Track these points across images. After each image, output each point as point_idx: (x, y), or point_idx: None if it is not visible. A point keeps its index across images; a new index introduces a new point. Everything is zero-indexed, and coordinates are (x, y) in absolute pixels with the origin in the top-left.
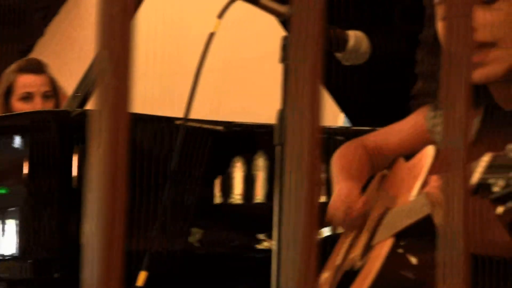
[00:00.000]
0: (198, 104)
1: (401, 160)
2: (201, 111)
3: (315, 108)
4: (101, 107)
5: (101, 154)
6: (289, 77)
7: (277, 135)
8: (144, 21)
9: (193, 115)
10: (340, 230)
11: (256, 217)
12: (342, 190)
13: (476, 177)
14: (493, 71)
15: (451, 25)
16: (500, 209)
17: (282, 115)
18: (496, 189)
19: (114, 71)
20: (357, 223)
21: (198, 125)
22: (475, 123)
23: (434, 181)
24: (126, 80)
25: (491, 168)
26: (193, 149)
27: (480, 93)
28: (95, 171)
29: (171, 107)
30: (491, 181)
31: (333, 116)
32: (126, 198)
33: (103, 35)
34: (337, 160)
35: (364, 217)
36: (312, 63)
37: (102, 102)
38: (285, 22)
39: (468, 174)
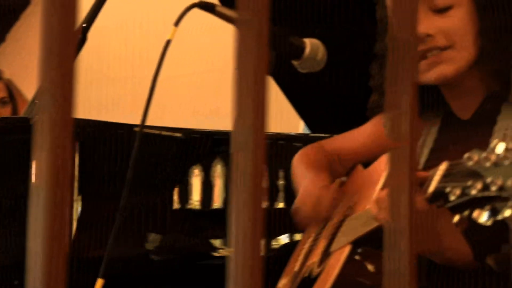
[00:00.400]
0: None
1: (360, 167)
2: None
3: (259, 114)
4: (44, 116)
5: (44, 163)
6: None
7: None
8: (115, 26)
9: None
10: (298, 237)
11: (214, 223)
12: (310, 182)
13: (433, 185)
14: (445, 70)
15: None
16: (456, 218)
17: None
18: (452, 197)
19: (56, 74)
20: (326, 214)
21: (156, 132)
22: (433, 132)
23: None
24: (69, 83)
25: (448, 177)
26: (151, 156)
27: (436, 102)
28: (38, 178)
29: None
30: (448, 189)
31: (294, 123)
32: (70, 206)
33: (46, 41)
34: (299, 161)
35: (332, 209)
36: (256, 69)
37: (45, 110)
38: None
39: (413, 170)
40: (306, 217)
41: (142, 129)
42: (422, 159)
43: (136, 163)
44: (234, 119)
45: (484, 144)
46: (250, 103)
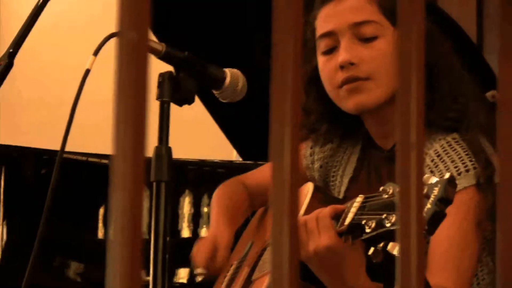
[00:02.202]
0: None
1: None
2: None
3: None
4: None
5: None
6: (162, 115)
7: (153, 171)
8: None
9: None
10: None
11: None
12: (210, 235)
13: (349, 218)
14: (364, 100)
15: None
16: (371, 250)
17: (158, 151)
18: (368, 230)
19: None
20: (217, 269)
21: (73, 157)
22: (353, 161)
23: None
24: None
25: (363, 209)
26: (72, 182)
27: (357, 130)
28: None
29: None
30: (363, 222)
31: (228, 151)
32: None
33: None
34: (216, 200)
35: (224, 264)
36: (136, 94)
37: None
38: (162, 59)
39: (295, 203)
40: (199, 267)
41: (61, 155)
42: (342, 188)
43: (59, 190)
44: (113, 144)
45: None
46: (129, 128)
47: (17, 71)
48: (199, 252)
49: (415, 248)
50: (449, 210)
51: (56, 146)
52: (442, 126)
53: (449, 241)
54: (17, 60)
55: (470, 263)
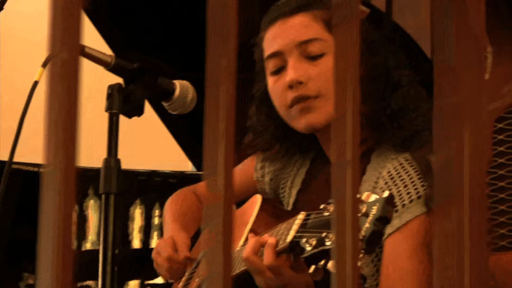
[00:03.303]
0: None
1: (232, 207)
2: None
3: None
4: None
5: None
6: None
7: (102, 183)
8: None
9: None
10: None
11: (86, 264)
12: (167, 240)
13: (290, 235)
14: (314, 119)
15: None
16: (311, 268)
17: (107, 164)
18: (308, 248)
19: None
20: (177, 274)
21: (16, 166)
22: (302, 173)
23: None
24: None
25: (305, 227)
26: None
27: (308, 144)
28: None
29: None
30: (304, 240)
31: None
32: None
33: None
34: (168, 208)
35: (184, 268)
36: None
37: None
38: (111, 71)
39: (230, 222)
40: (160, 273)
41: (10, 165)
42: (291, 200)
43: (8, 200)
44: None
45: None
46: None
47: None
48: (160, 253)
49: (350, 267)
50: (403, 240)
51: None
52: (393, 142)
53: (402, 272)
54: None
55: None
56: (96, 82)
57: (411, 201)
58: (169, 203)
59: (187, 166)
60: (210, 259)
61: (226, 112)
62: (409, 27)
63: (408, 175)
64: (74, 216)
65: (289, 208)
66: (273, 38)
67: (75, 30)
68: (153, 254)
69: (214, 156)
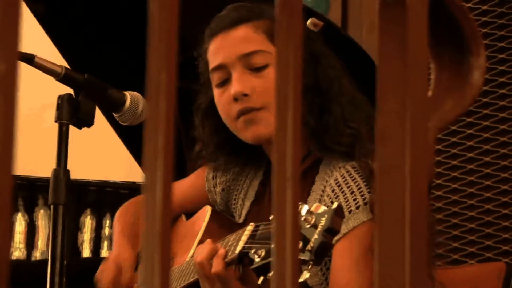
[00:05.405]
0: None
1: (182, 218)
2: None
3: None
4: None
5: None
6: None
7: (51, 194)
8: None
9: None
10: None
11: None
12: (113, 256)
13: (239, 246)
14: (260, 131)
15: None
16: (260, 279)
17: (56, 174)
18: (257, 259)
19: None
20: None
21: None
22: (255, 185)
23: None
24: None
25: (254, 238)
26: None
27: (259, 156)
28: None
29: None
30: (253, 251)
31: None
32: None
33: None
34: (118, 219)
35: (129, 285)
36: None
37: None
38: (61, 81)
39: (167, 238)
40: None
41: None
42: (244, 212)
43: None
44: None
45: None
46: None
47: None
48: (103, 275)
49: (289, 277)
50: (349, 246)
51: None
52: (338, 151)
53: (349, 279)
54: None
55: None
56: (55, 91)
57: (357, 207)
58: (119, 215)
59: (139, 176)
60: (146, 279)
61: (165, 126)
62: (363, 42)
63: (355, 182)
64: (24, 225)
65: (241, 219)
66: (217, 51)
67: (13, 41)
68: (97, 274)
69: (153, 170)
